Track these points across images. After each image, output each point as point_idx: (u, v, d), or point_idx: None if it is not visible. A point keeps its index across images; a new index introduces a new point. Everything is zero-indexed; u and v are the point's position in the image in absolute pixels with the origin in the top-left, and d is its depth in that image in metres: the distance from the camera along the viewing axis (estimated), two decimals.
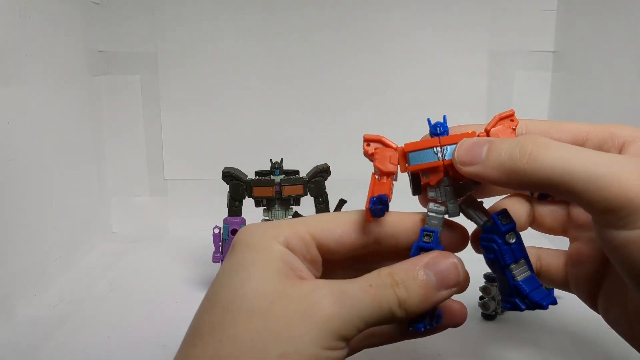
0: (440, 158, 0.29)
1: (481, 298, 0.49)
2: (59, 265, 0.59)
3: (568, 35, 0.69)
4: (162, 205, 0.75)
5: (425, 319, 0.28)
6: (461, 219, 0.30)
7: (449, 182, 0.29)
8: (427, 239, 0.29)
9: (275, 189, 0.54)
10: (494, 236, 0.29)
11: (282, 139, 0.73)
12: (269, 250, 0.27)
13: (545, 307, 0.28)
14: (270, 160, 0.55)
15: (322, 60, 0.72)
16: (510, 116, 0.30)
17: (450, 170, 0.29)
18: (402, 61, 0.73)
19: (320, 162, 0.56)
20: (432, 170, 0.29)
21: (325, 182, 0.55)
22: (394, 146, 0.30)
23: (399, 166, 0.30)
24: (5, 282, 0.49)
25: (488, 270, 0.49)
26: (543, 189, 0.26)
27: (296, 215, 0.56)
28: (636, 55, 0.56)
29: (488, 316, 0.49)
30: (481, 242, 0.30)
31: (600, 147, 0.29)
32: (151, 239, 0.71)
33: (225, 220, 0.55)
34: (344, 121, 0.73)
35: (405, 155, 0.29)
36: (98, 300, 0.54)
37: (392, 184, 0.30)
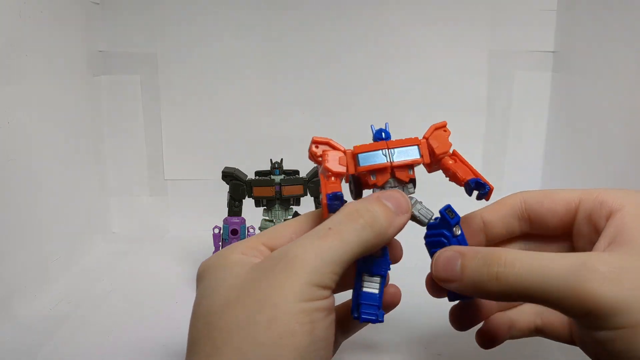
0: (389, 160, 0.31)
1: None
2: (59, 265, 0.59)
3: (568, 35, 0.69)
4: (162, 205, 0.75)
5: (376, 310, 0.30)
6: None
7: (394, 183, 0.32)
8: (452, 215, 0.32)
9: (275, 189, 0.54)
10: (442, 230, 0.32)
11: (282, 139, 0.73)
12: (226, 262, 0.29)
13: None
14: (270, 160, 0.55)
15: (322, 60, 0.72)
16: (443, 127, 0.33)
17: (396, 171, 0.31)
18: (402, 61, 0.73)
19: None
20: (380, 171, 0.31)
21: None
22: (342, 149, 0.32)
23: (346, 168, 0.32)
24: (5, 282, 0.49)
25: None
26: (521, 301, 0.28)
27: (296, 215, 0.56)
28: (636, 55, 0.56)
29: None
30: (427, 239, 0.33)
31: (590, 218, 0.30)
32: (151, 239, 0.71)
33: (225, 220, 0.55)
34: (344, 121, 0.73)
35: (354, 157, 0.32)
36: (98, 300, 0.54)
37: (340, 184, 0.32)
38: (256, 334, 0.24)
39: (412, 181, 0.32)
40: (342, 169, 0.31)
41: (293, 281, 0.25)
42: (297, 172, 0.56)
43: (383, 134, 0.32)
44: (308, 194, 0.55)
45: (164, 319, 0.49)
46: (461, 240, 0.32)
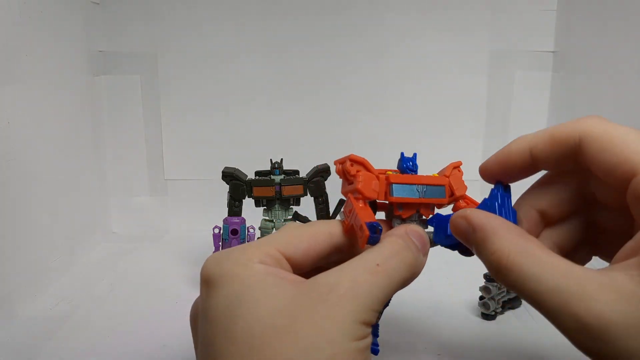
0: (421, 196, 0.32)
1: (481, 298, 0.49)
2: (59, 265, 0.59)
3: (568, 35, 0.69)
4: (162, 205, 0.75)
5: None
6: None
7: (417, 217, 0.32)
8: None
9: (275, 189, 0.54)
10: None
11: (282, 139, 0.73)
12: (249, 270, 0.26)
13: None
14: (270, 160, 0.55)
15: (322, 60, 0.72)
16: (458, 167, 0.34)
17: (421, 208, 0.32)
18: (402, 61, 0.73)
19: (320, 162, 0.56)
20: (408, 205, 0.32)
21: (325, 182, 0.55)
22: (376, 172, 0.32)
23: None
24: (5, 282, 0.49)
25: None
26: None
27: (296, 215, 0.56)
28: (636, 55, 0.56)
29: (488, 316, 0.49)
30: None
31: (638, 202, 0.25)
32: (151, 239, 0.71)
33: (225, 220, 0.55)
34: (344, 121, 0.73)
35: (388, 185, 0.31)
36: (98, 300, 0.54)
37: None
38: None
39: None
40: (374, 195, 0.31)
41: (346, 317, 0.24)
42: (297, 172, 0.56)
43: (411, 164, 0.33)
44: (308, 194, 0.55)
45: (164, 319, 0.49)
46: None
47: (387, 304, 0.30)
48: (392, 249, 0.28)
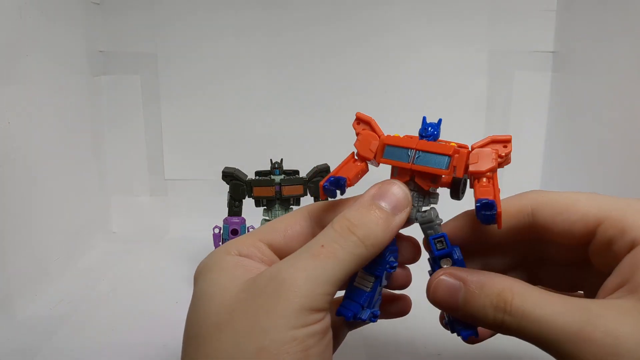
0: (410, 161, 0.28)
1: None
2: (59, 265, 0.59)
3: (568, 35, 0.69)
4: (162, 205, 0.75)
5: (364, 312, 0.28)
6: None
7: (414, 186, 0.29)
8: (440, 246, 0.29)
9: (275, 189, 0.54)
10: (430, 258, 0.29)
11: (282, 139, 0.73)
12: (222, 265, 0.28)
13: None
14: (270, 160, 0.55)
15: (322, 60, 0.72)
16: (505, 141, 0.28)
17: (416, 176, 0.29)
18: (402, 61, 0.73)
19: (320, 162, 0.56)
20: (401, 170, 0.29)
21: None
22: (380, 133, 0.30)
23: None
24: (5, 282, 0.49)
25: None
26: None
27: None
28: (636, 55, 0.56)
29: None
30: (429, 261, 0.30)
31: (610, 247, 0.27)
32: (151, 239, 0.71)
33: (225, 220, 0.55)
34: (344, 121, 0.73)
35: (383, 146, 0.29)
36: (98, 300, 0.54)
37: (364, 170, 0.30)
38: None
39: (436, 195, 0.29)
40: (370, 155, 0.29)
41: (284, 307, 0.24)
42: (297, 172, 0.56)
43: (428, 130, 0.29)
44: (308, 194, 0.55)
45: (164, 319, 0.49)
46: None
47: (379, 278, 0.28)
48: (339, 226, 0.26)
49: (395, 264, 0.29)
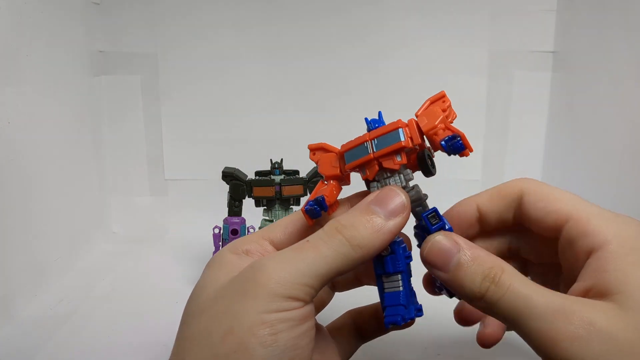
0: (371, 151, 0.29)
1: None
2: (59, 265, 0.59)
3: (568, 35, 0.69)
4: (162, 205, 0.75)
5: (400, 309, 0.29)
6: None
7: (385, 174, 0.30)
8: (434, 221, 0.29)
9: (275, 189, 0.54)
10: (424, 234, 0.29)
11: (282, 139, 0.73)
12: (221, 261, 0.29)
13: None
14: (270, 160, 0.55)
15: (322, 60, 0.72)
16: (441, 97, 0.30)
17: (383, 162, 0.29)
18: (402, 62, 0.73)
19: None
20: (368, 164, 0.29)
21: None
22: (335, 150, 0.31)
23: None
24: (5, 282, 0.49)
25: None
26: (498, 319, 0.27)
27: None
28: (636, 55, 0.56)
29: None
30: (415, 233, 0.31)
31: (571, 245, 0.28)
32: (151, 239, 0.71)
33: (225, 220, 0.55)
34: (344, 121, 0.73)
35: (342, 156, 0.30)
36: (98, 300, 0.54)
37: (338, 187, 0.31)
38: (212, 346, 0.24)
39: (408, 165, 0.30)
40: (334, 170, 0.30)
41: (257, 291, 0.25)
42: (297, 172, 0.56)
43: (372, 125, 0.30)
44: (308, 194, 0.55)
45: (164, 319, 0.49)
46: None
47: (404, 272, 0.29)
48: (328, 227, 0.27)
49: (409, 254, 0.30)
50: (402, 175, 0.30)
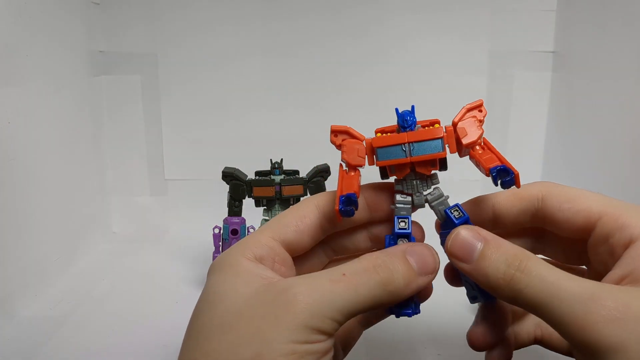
0: (408, 155, 0.29)
1: None
2: (59, 265, 0.59)
3: (568, 35, 0.69)
4: (162, 205, 0.75)
5: (410, 305, 0.29)
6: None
7: (414, 176, 0.30)
8: (402, 225, 0.30)
9: (275, 189, 0.54)
10: (449, 230, 0.29)
11: (282, 139, 0.73)
12: (237, 268, 0.28)
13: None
14: (270, 160, 0.55)
15: (323, 60, 0.72)
16: (478, 107, 0.30)
17: (416, 165, 0.30)
18: (402, 61, 0.73)
19: (320, 162, 0.56)
20: (399, 166, 0.30)
21: (325, 182, 0.55)
22: (362, 138, 0.30)
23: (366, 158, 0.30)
24: (5, 282, 0.49)
25: None
26: (527, 310, 0.27)
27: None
28: (636, 55, 0.56)
29: None
30: (441, 238, 0.31)
31: (607, 239, 0.28)
32: (151, 239, 0.71)
33: (225, 220, 0.55)
34: (344, 121, 0.73)
35: (373, 149, 0.30)
36: (98, 300, 0.54)
37: (360, 177, 0.30)
38: None
39: (435, 175, 0.31)
40: (361, 161, 0.30)
41: (289, 320, 0.24)
42: (297, 172, 0.56)
43: (407, 121, 0.30)
44: (308, 194, 0.55)
45: (163, 319, 0.49)
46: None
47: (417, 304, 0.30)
48: (368, 263, 0.27)
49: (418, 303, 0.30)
50: (430, 181, 0.30)
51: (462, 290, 0.55)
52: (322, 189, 0.55)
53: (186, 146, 0.74)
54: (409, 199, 0.30)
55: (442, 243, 0.31)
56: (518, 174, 0.28)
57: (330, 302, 0.25)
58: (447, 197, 0.31)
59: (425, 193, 0.31)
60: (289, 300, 0.25)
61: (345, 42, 0.72)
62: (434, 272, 0.29)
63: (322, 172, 0.55)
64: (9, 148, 0.50)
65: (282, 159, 0.55)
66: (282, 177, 0.54)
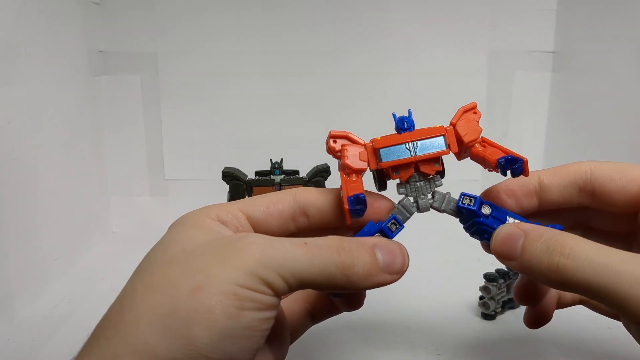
0: (412, 154, 0.29)
1: (481, 298, 0.49)
2: (59, 265, 0.59)
3: (568, 35, 0.69)
4: (162, 205, 0.75)
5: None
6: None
7: (419, 177, 0.30)
8: (392, 227, 0.29)
9: (275, 189, 0.54)
10: (473, 219, 0.29)
11: (282, 139, 0.73)
12: (199, 223, 0.28)
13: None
14: (270, 160, 0.55)
15: (322, 60, 0.73)
16: (473, 108, 0.30)
17: (420, 165, 0.29)
18: (402, 61, 0.73)
19: (320, 162, 0.56)
20: (403, 166, 0.29)
21: (325, 182, 0.55)
22: (362, 142, 0.30)
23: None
24: (5, 282, 0.49)
25: (488, 270, 0.49)
26: (580, 294, 0.27)
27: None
28: (636, 55, 0.56)
29: (488, 316, 0.49)
30: (469, 232, 0.30)
31: None
32: (151, 239, 0.71)
33: None
34: (344, 121, 0.73)
35: (375, 151, 0.29)
36: (98, 300, 0.54)
37: (362, 181, 0.30)
38: (175, 298, 0.23)
39: (439, 172, 0.30)
40: (363, 165, 0.29)
41: (238, 262, 0.24)
42: (297, 172, 0.56)
43: (405, 123, 0.30)
44: None
45: None
46: (498, 215, 0.30)
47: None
48: (333, 242, 0.26)
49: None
50: (433, 181, 0.30)
51: (463, 290, 0.55)
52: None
53: (186, 146, 0.74)
54: (415, 204, 0.30)
55: (482, 238, 0.30)
56: (527, 160, 0.28)
57: (283, 260, 0.25)
58: (448, 192, 0.30)
59: (429, 198, 0.30)
60: (243, 246, 0.25)
61: (345, 43, 0.72)
62: (400, 273, 0.28)
63: (322, 172, 0.55)
64: (9, 148, 0.50)
65: (282, 159, 0.55)
66: (282, 177, 0.55)
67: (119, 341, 0.24)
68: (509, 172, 0.29)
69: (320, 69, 0.73)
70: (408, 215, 0.30)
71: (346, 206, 0.28)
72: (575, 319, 0.47)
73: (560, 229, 0.28)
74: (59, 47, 0.60)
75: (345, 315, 0.48)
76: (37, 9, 0.54)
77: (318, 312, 0.34)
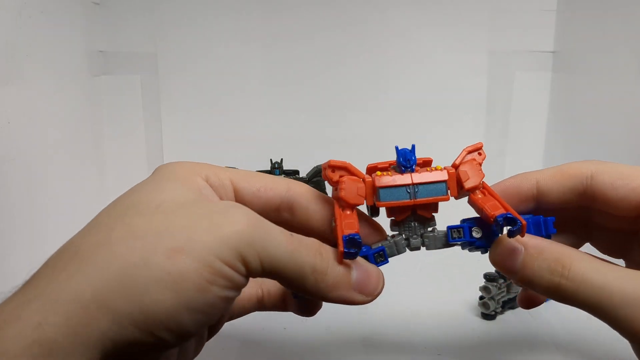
0: (412, 197, 0.28)
1: (481, 298, 0.49)
2: None
3: (568, 35, 0.69)
4: None
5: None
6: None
7: (414, 218, 0.29)
8: (378, 259, 0.29)
9: None
10: (469, 244, 0.29)
11: (282, 139, 0.73)
12: (190, 180, 0.27)
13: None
14: (270, 160, 0.55)
15: (323, 60, 0.72)
16: (478, 149, 0.30)
17: (418, 208, 0.29)
18: (402, 61, 0.73)
19: (320, 162, 0.56)
20: (400, 207, 0.29)
21: (325, 182, 0.55)
22: (361, 175, 0.29)
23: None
24: (6, 282, 0.49)
25: (488, 270, 0.49)
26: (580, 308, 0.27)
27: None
28: (636, 55, 0.56)
29: (488, 316, 0.49)
30: (467, 250, 0.30)
31: None
32: None
33: None
34: (344, 121, 0.73)
35: (374, 189, 0.29)
36: None
37: (357, 215, 0.29)
38: (153, 253, 0.23)
39: (433, 218, 0.30)
40: (360, 201, 0.28)
41: (225, 234, 0.23)
42: (297, 172, 0.56)
43: (409, 161, 0.29)
44: None
45: None
46: (489, 236, 0.29)
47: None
48: (314, 244, 0.26)
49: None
50: (427, 224, 0.30)
51: (462, 290, 0.55)
52: (322, 189, 0.55)
53: (186, 146, 0.74)
54: (405, 242, 0.30)
55: (482, 251, 0.30)
56: (525, 224, 0.27)
57: (268, 244, 0.24)
58: (435, 227, 0.30)
59: (420, 238, 0.30)
60: (237, 219, 0.24)
61: (345, 43, 0.72)
62: (371, 295, 0.27)
63: (322, 172, 0.55)
64: (9, 148, 0.50)
65: (282, 159, 0.55)
66: (282, 177, 0.54)
67: (81, 278, 0.24)
68: (505, 231, 0.28)
69: (320, 69, 0.73)
70: (397, 253, 0.30)
71: (341, 248, 0.26)
72: (575, 319, 0.47)
73: (552, 220, 0.28)
74: (59, 47, 0.60)
75: (345, 315, 0.49)
76: (37, 9, 0.54)
77: (268, 302, 0.33)
